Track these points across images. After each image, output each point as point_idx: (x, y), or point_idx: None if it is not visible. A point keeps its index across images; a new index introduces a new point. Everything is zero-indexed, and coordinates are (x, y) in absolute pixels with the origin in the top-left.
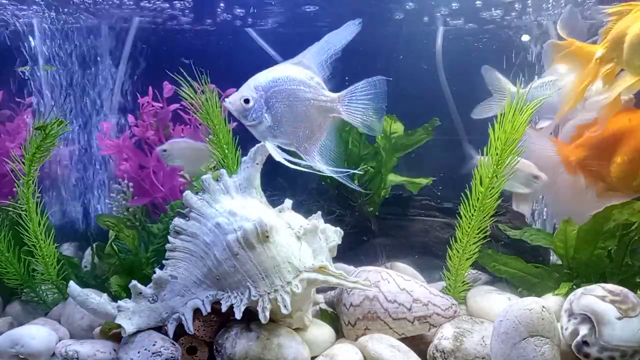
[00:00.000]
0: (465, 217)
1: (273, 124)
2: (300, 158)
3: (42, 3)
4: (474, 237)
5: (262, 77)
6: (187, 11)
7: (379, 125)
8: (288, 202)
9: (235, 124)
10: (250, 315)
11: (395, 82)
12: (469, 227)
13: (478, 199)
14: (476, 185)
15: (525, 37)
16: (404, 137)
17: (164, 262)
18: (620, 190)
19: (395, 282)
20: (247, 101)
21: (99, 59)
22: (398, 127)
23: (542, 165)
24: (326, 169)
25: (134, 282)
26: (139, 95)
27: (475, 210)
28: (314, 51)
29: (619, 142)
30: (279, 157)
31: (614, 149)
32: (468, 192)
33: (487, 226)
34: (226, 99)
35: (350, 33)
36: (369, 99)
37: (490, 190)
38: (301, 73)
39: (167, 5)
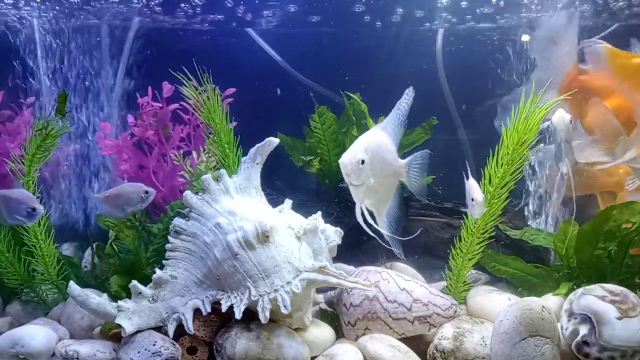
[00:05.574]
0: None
1: (371, 185)
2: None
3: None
4: (479, 237)
5: (370, 140)
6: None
7: (424, 188)
8: (288, 202)
9: (235, 123)
10: (250, 315)
11: (394, 83)
12: (474, 227)
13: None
14: (485, 185)
15: (525, 37)
16: (401, 137)
17: (164, 262)
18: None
19: (395, 282)
20: (362, 162)
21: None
22: None
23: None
24: (387, 234)
25: (134, 282)
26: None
27: None
28: (391, 119)
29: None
30: (361, 221)
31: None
32: None
33: (492, 227)
34: (341, 158)
35: (409, 99)
36: (421, 167)
37: (498, 191)
38: (387, 138)
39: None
